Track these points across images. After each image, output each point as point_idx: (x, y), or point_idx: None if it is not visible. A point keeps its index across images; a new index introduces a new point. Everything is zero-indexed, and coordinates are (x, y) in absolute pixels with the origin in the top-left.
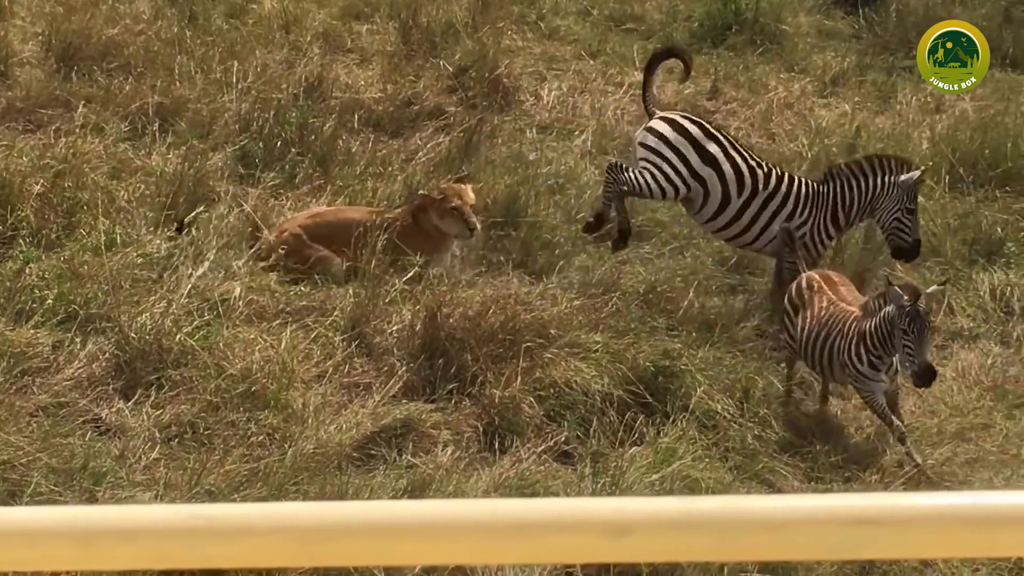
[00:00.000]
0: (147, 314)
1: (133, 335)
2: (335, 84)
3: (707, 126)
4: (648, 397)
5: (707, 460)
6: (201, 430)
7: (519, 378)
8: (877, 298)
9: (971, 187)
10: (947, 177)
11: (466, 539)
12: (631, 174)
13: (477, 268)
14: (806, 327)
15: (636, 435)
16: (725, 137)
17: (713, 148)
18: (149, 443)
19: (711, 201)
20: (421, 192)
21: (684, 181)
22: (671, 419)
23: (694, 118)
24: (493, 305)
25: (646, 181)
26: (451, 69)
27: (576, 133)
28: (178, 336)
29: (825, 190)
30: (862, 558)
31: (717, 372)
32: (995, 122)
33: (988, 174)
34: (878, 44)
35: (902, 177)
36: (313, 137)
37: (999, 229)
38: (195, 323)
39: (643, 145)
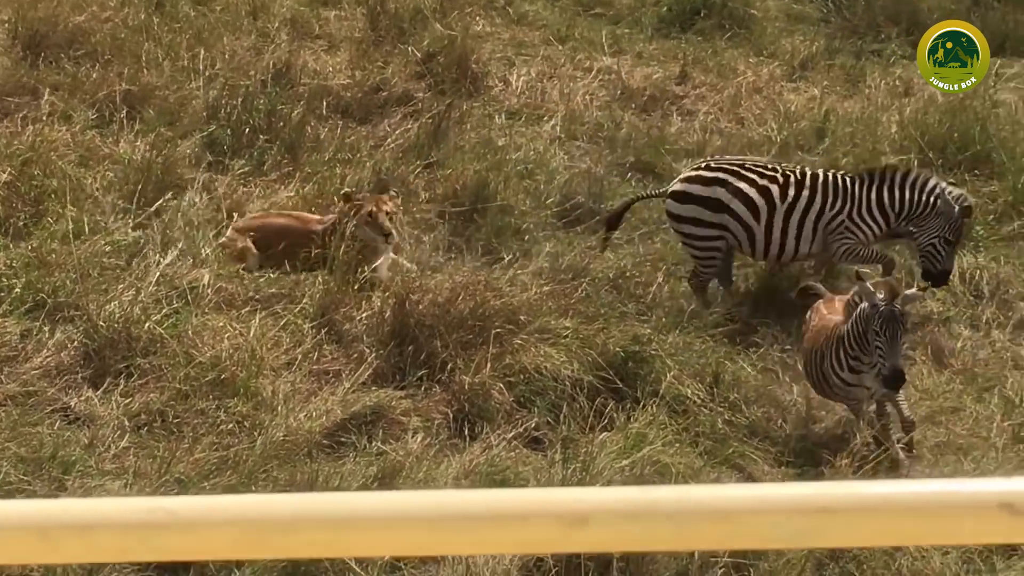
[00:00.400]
0: (116, 302)
1: (102, 323)
2: (303, 71)
3: (704, 174)
4: (618, 382)
5: (677, 445)
6: (170, 418)
7: (489, 364)
8: (854, 295)
9: (940, 170)
10: (916, 161)
11: (424, 530)
12: (698, 270)
13: (434, 258)
14: (804, 352)
15: (606, 420)
16: (730, 168)
17: (716, 191)
18: (118, 432)
19: (742, 241)
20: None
21: (714, 238)
22: (641, 404)
23: (692, 173)
24: (462, 291)
25: (699, 263)
26: (419, 55)
27: (545, 118)
28: (147, 324)
29: (864, 187)
30: (819, 547)
31: (687, 357)
32: (963, 106)
33: (957, 158)
34: (847, 28)
35: (937, 201)
36: (281, 124)
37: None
38: (164, 311)
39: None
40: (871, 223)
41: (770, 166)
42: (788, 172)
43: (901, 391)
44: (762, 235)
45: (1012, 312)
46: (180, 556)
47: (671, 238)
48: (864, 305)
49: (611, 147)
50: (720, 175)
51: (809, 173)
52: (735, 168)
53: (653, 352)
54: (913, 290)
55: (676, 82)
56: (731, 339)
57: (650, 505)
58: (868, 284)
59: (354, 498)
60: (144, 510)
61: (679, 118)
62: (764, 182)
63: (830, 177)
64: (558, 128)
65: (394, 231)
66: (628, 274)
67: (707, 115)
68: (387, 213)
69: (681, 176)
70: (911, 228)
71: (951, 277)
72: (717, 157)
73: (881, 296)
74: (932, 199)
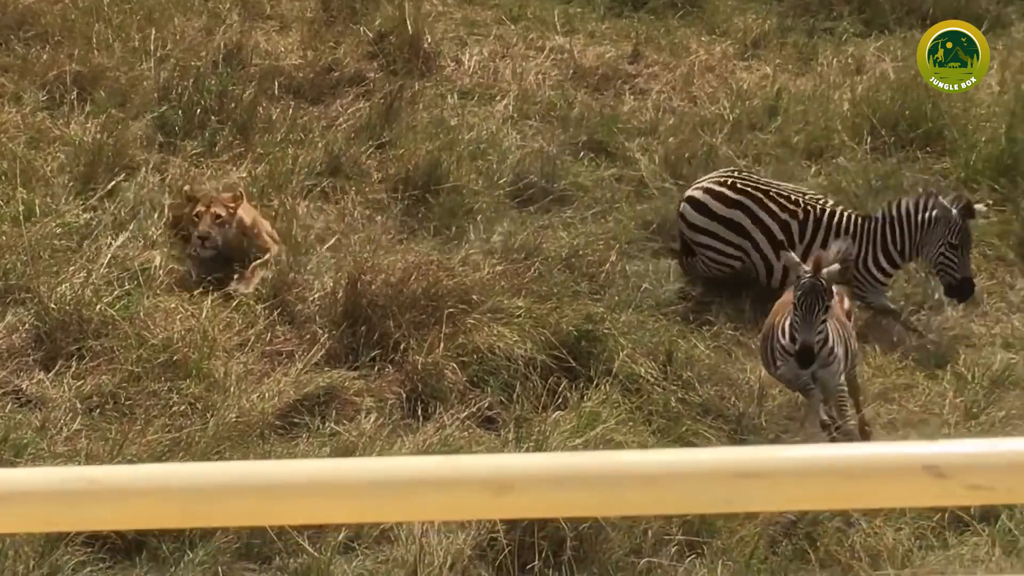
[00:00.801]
0: (67, 284)
1: (53, 306)
2: (255, 51)
3: (728, 193)
4: (571, 361)
5: (630, 424)
6: (122, 400)
7: (442, 344)
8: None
9: (892, 148)
10: (868, 138)
11: (349, 497)
12: (700, 266)
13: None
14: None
15: (560, 400)
16: (755, 191)
17: (738, 215)
18: (70, 414)
19: (759, 270)
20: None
21: (733, 256)
22: (594, 383)
23: (715, 187)
24: (415, 271)
25: (706, 268)
26: (371, 35)
27: (497, 98)
28: (98, 306)
29: (873, 226)
30: (740, 511)
31: (640, 336)
32: (915, 83)
33: (909, 135)
34: (799, 6)
35: (935, 212)
36: (233, 105)
37: (920, 189)
38: (115, 293)
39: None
40: (876, 272)
41: (793, 197)
42: (808, 207)
43: (843, 390)
44: (780, 271)
45: None
46: (102, 526)
47: (622, 214)
48: (792, 278)
49: (564, 126)
50: (743, 199)
51: (827, 211)
52: (760, 194)
53: (606, 331)
54: (835, 265)
55: (628, 61)
56: (684, 318)
57: (574, 471)
58: (793, 255)
59: (278, 466)
60: (66, 480)
61: (632, 97)
62: (785, 216)
63: (846, 218)
64: (510, 108)
65: (212, 233)
66: (581, 253)
67: (660, 94)
68: (214, 215)
69: (701, 183)
70: (919, 253)
71: (976, 286)
72: (744, 174)
73: (806, 269)
74: (929, 214)
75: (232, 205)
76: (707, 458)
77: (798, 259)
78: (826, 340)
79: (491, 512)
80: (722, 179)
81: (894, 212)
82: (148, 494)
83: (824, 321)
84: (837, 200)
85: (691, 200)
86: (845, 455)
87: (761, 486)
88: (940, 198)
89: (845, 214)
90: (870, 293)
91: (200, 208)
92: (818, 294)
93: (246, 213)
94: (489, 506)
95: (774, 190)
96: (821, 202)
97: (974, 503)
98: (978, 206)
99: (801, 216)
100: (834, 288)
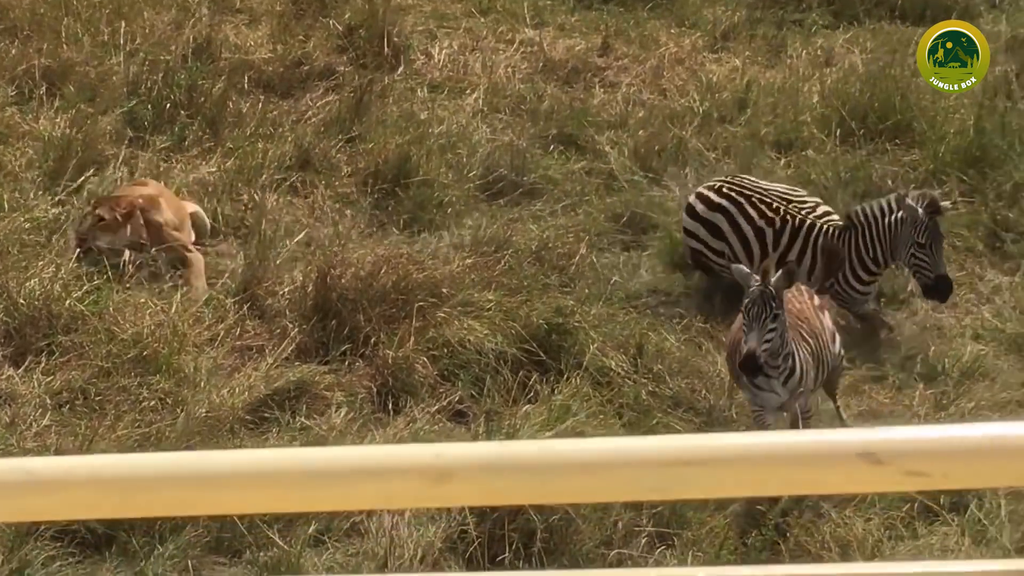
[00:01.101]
0: (36, 279)
1: (22, 301)
2: (224, 45)
3: (712, 197)
4: (542, 355)
5: (601, 417)
6: (92, 396)
7: (412, 338)
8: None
9: (862, 140)
10: (838, 130)
11: (287, 487)
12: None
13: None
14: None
15: (530, 393)
16: (739, 195)
17: (718, 218)
18: (40, 410)
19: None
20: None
21: (716, 260)
22: (565, 376)
23: (704, 191)
24: (385, 265)
25: (696, 263)
26: (341, 29)
27: (467, 91)
28: (68, 301)
29: (847, 237)
30: (677, 498)
31: (610, 328)
32: (884, 75)
33: (878, 127)
34: None
35: (900, 214)
36: (202, 99)
37: (889, 181)
38: (85, 288)
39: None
40: (856, 284)
41: (775, 204)
42: (788, 216)
43: (808, 416)
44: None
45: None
46: (39, 516)
47: (592, 207)
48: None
49: (533, 119)
50: (725, 203)
51: (807, 223)
52: (742, 198)
53: (576, 324)
54: (780, 272)
55: (598, 54)
56: (654, 311)
57: (512, 459)
58: (743, 267)
59: (214, 456)
60: (3, 471)
61: (601, 90)
62: (762, 223)
63: (816, 229)
64: (480, 101)
65: (89, 236)
66: (551, 246)
67: (629, 86)
68: (97, 217)
69: (698, 187)
70: (894, 257)
71: (953, 282)
72: (736, 179)
73: (756, 277)
74: (896, 216)
75: (123, 211)
76: (643, 446)
77: (748, 269)
78: (781, 349)
79: (430, 501)
80: (714, 183)
81: (861, 219)
82: (86, 484)
83: (773, 329)
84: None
85: (686, 204)
86: (782, 442)
87: (697, 473)
88: (906, 199)
89: (818, 225)
90: (852, 304)
91: (88, 208)
92: (766, 301)
93: (160, 216)
94: (428, 495)
95: (757, 196)
96: (806, 210)
97: (911, 488)
98: (944, 203)
99: (777, 224)
100: (817, 299)
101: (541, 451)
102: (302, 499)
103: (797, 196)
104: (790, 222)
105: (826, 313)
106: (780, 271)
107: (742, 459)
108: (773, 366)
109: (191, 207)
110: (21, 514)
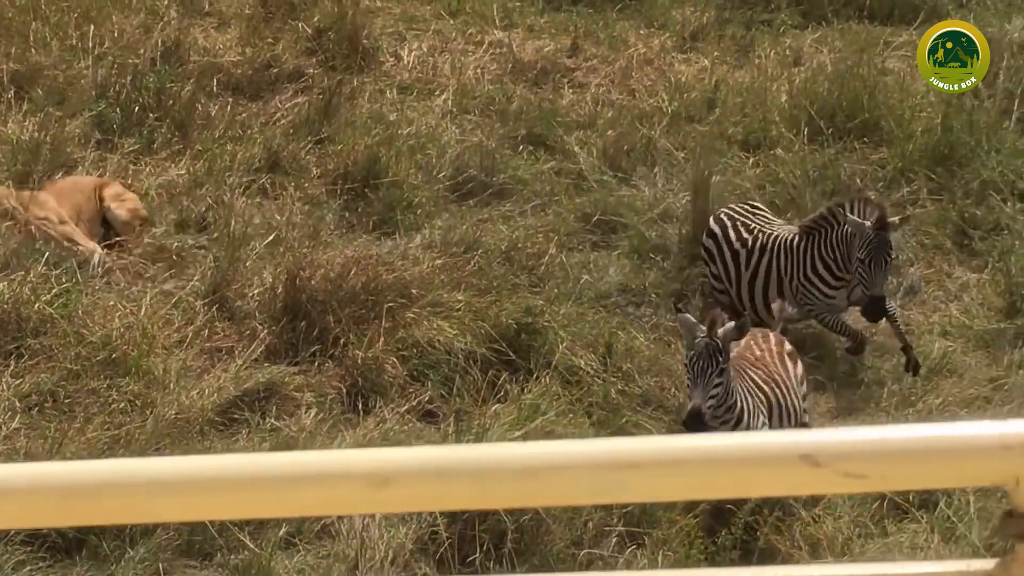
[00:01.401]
0: (4, 283)
1: None
2: (193, 48)
3: (709, 223)
4: (511, 354)
5: (571, 416)
6: (62, 398)
7: (382, 338)
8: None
9: (830, 139)
10: (806, 129)
11: (227, 494)
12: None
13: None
14: None
15: (500, 392)
16: (731, 220)
17: (708, 243)
18: (9, 413)
19: (733, 297)
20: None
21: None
22: (534, 376)
23: (713, 218)
24: (354, 266)
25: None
26: (310, 31)
27: (436, 93)
28: (37, 304)
29: (803, 243)
30: (619, 501)
31: (580, 328)
32: (852, 74)
33: (846, 126)
34: None
35: (847, 228)
36: (171, 102)
37: (858, 180)
38: (54, 291)
39: None
40: (820, 279)
41: (752, 225)
42: (760, 235)
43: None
44: (738, 298)
45: (902, 278)
46: None
47: (561, 207)
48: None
49: (503, 120)
50: (716, 227)
51: (776, 237)
52: (731, 223)
53: (546, 324)
54: (729, 326)
55: (567, 54)
56: (624, 310)
57: (452, 464)
58: (689, 316)
59: (154, 463)
60: None
61: (570, 91)
62: (737, 246)
63: (786, 239)
64: (450, 102)
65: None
66: (520, 246)
67: (598, 87)
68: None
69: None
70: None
71: (889, 306)
72: (747, 204)
73: (702, 328)
74: (847, 227)
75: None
76: (583, 450)
77: (694, 319)
78: (726, 400)
79: (370, 506)
80: (718, 210)
81: (825, 221)
82: (26, 493)
83: (719, 384)
84: (774, 199)
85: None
86: (723, 445)
87: (637, 477)
88: (850, 214)
89: (788, 237)
90: (820, 308)
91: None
92: (711, 355)
93: (42, 211)
94: (368, 500)
95: (741, 220)
96: (778, 232)
97: (850, 491)
98: (892, 219)
99: (750, 244)
100: (786, 346)
101: (480, 456)
102: (243, 505)
103: (770, 217)
104: (759, 240)
105: (795, 361)
106: (732, 323)
107: (683, 462)
108: (716, 416)
109: (123, 203)
110: None
